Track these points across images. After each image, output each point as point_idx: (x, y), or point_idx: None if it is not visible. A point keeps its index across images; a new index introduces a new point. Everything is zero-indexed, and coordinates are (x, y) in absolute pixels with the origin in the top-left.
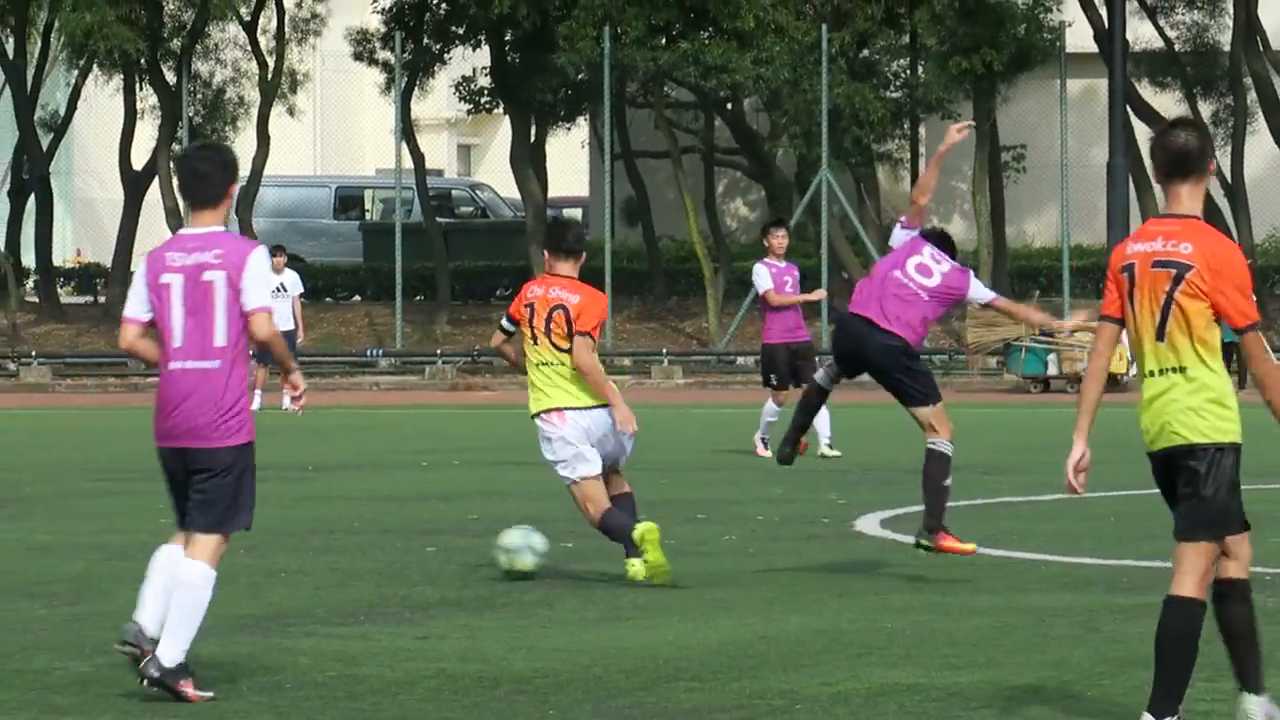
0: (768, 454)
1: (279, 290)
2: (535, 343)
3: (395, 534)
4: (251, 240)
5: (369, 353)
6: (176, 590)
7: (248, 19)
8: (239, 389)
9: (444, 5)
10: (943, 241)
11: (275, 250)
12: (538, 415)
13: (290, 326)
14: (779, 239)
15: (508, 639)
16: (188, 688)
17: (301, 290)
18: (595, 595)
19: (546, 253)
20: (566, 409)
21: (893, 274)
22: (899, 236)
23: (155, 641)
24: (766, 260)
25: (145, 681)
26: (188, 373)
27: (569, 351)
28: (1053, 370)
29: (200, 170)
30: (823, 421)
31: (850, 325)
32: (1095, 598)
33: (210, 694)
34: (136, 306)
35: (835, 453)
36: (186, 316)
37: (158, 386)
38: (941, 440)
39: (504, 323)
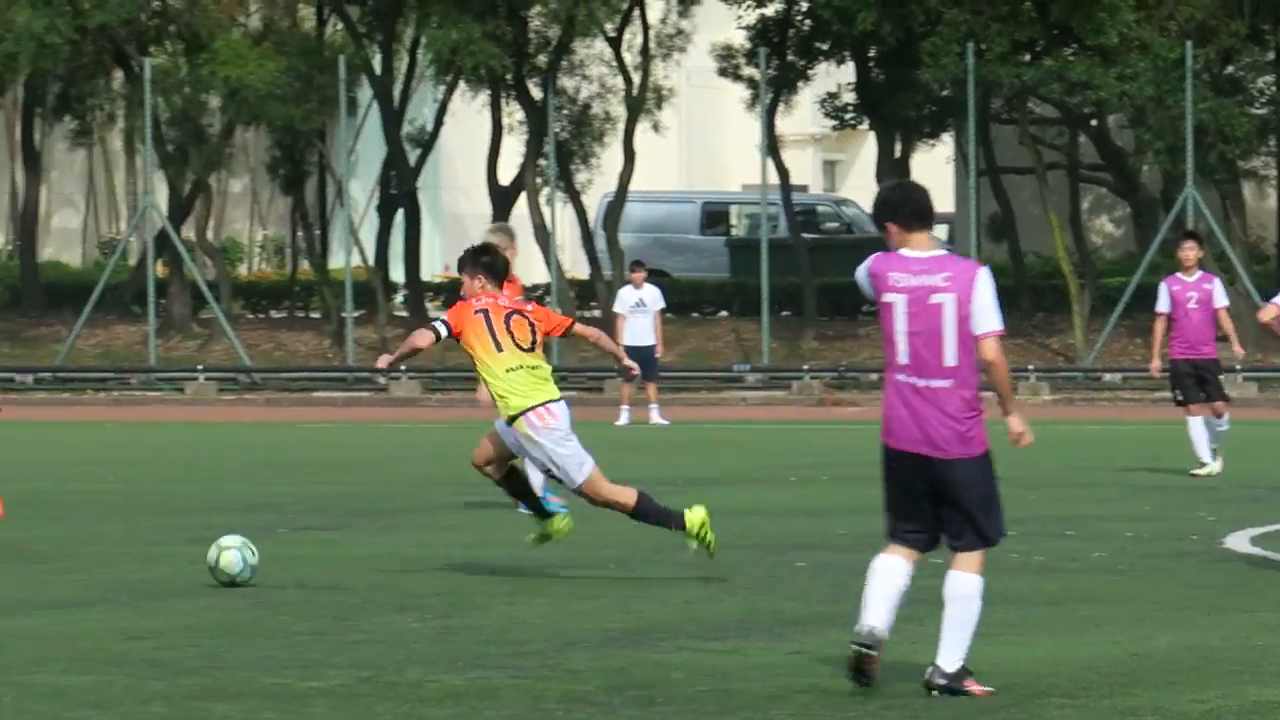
0: (1204, 471)
1: (639, 305)
2: (500, 350)
3: (764, 549)
4: (976, 263)
5: (735, 368)
6: (952, 602)
7: (613, 35)
8: (973, 404)
9: (808, 21)
10: None
11: (635, 266)
12: (521, 414)
13: (650, 341)
14: (1185, 252)
15: None
16: (972, 685)
17: (662, 305)
18: None
19: (484, 276)
20: (550, 402)
21: None
22: None
23: (881, 643)
24: (1174, 276)
25: (931, 690)
26: (916, 389)
27: (531, 350)
28: None
29: (918, 191)
30: (1200, 442)
31: None
32: None
33: (990, 688)
34: None
35: (1207, 471)
36: (911, 336)
37: (884, 393)
38: None
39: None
